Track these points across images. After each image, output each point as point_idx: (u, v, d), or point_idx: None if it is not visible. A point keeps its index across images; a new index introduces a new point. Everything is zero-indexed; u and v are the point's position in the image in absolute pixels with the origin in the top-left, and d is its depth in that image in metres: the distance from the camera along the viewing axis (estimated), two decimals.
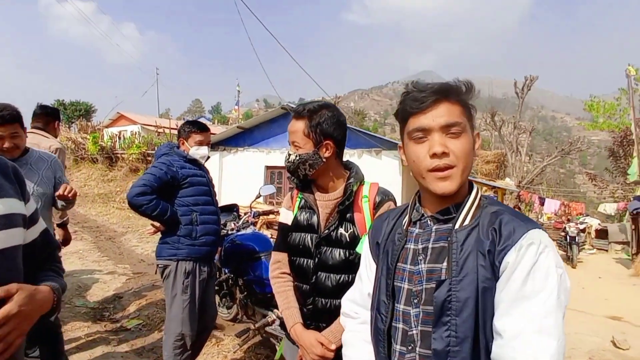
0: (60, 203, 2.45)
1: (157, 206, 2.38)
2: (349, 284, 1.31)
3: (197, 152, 2.62)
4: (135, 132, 19.73)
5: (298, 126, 1.48)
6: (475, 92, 0.99)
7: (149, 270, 5.80)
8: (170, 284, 2.48)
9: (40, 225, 1.13)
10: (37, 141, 2.81)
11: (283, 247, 1.61)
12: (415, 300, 0.95)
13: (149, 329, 3.77)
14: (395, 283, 1.01)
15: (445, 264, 0.92)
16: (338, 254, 1.46)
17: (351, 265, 1.42)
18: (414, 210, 1.06)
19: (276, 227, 6.68)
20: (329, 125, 1.47)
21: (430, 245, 0.97)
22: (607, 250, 14.15)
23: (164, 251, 2.51)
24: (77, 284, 4.93)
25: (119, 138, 18.33)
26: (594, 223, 15.75)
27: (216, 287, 3.49)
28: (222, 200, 8.87)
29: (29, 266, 1.04)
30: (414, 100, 0.96)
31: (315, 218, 1.51)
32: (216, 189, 2.89)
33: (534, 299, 0.81)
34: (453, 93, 0.95)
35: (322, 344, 1.39)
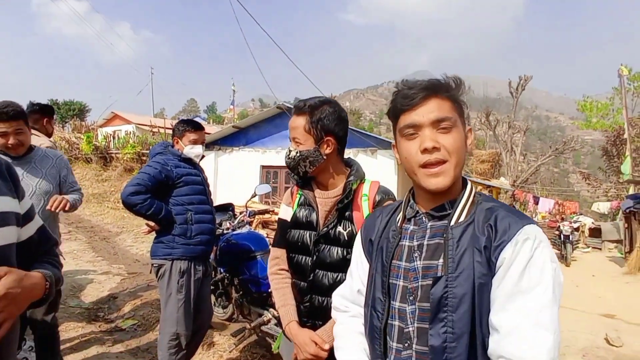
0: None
1: (151, 205, 2.36)
2: None
3: (192, 151, 2.61)
4: (130, 132, 19.60)
5: (299, 122, 1.46)
6: (465, 88, 1.00)
7: (144, 270, 5.77)
8: (165, 284, 2.47)
9: (37, 222, 1.12)
10: None
11: (282, 243, 1.59)
12: (411, 298, 0.95)
13: (144, 329, 3.75)
14: (390, 280, 1.00)
15: (441, 260, 0.92)
16: (336, 252, 1.45)
17: (349, 264, 1.41)
18: (408, 207, 1.06)
19: (272, 227, 6.68)
20: (330, 121, 1.45)
21: (425, 242, 0.97)
22: (600, 249, 14.27)
23: (158, 250, 2.50)
24: (72, 285, 4.89)
25: (114, 138, 18.24)
26: (588, 222, 15.87)
27: (212, 287, 3.48)
28: (218, 199, 8.85)
29: (26, 263, 1.02)
30: (404, 97, 0.97)
31: (314, 215, 1.50)
32: (211, 189, 2.88)
33: (530, 294, 0.82)
34: (442, 89, 0.96)
35: (315, 343, 1.39)
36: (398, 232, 1.03)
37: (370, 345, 1.06)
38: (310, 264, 1.49)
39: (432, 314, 0.90)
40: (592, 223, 15.90)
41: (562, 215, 16.52)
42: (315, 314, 1.48)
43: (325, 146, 1.46)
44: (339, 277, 1.44)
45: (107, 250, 7.36)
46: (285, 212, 1.61)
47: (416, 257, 0.97)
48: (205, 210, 2.61)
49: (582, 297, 7.07)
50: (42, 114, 3.07)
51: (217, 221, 3.36)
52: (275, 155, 11.95)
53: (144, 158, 14.43)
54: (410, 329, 0.95)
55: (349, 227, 1.45)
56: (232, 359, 3.26)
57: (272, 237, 2.01)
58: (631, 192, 12.10)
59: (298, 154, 1.46)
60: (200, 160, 2.72)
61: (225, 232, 3.58)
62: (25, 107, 3.08)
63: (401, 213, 1.07)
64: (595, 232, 15.09)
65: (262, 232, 5.95)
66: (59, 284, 1.08)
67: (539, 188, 28.27)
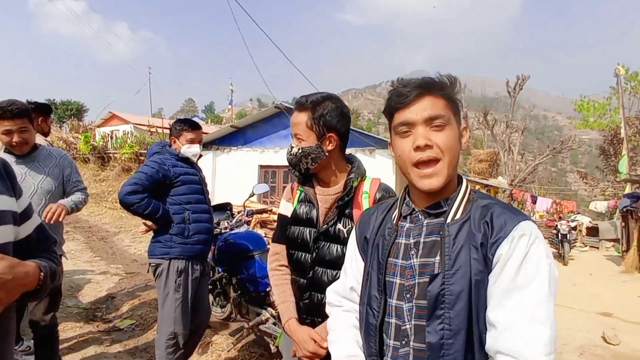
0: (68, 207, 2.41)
1: (148, 205, 2.36)
2: None
3: (189, 150, 2.60)
4: (128, 132, 19.57)
5: (301, 118, 1.44)
6: (460, 87, 1.01)
7: (142, 270, 5.75)
8: (162, 283, 2.46)
9: (35, 220, 1.11)
10: None
11: (282, 238, 1.58)
12: (408, 295, 0.96)
13: (142, 329, 3.74)
14: (387, 278, 1.01)
15: (438, 257, 0.93)
16: (335, 249, 1.43)
17: None
18: (404, 205, 1.06)
19: (270, 226, 6.67)
20: (333, 117, 1.43)
21: (422, 240, 0.97)
22: (598, 248, 14.32)
23: (156, 250, 2.50)
24: (69, 285, 4.88)
25: (111, 137, 18.18)
26: (585, 221, 15.95)
27: (210, 286, 3.48)
28: (216, 199, 8.84)
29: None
30: (398, 95, 0.97)
31: (314, 212, 1.49)
32: (210, 188, 2.88)
33: (526, 290, 0.83)
34: (436, 87, 0.97)
35: (314, 341, 1.39)
36: (394, 230, 1.03)
37: (365, 342, 1.06)
38: (309, 261, 1.48)
39: (429, 311, 0.90)
40: (590, 222, 15.97)
41: (560, 214, 16.59)
42: (314, 311, 1.47)
43: (327, 142, 1.44)
44: (338, 274, 1.42)
45: (105, 250, 7.35)
46: (286, 208, 1.59)
47: (413, 254, 0.97)
48: (202, 210, 2.61)
49: (579, 295, 7.10)
50: (38, 113, 3.07)
51: (215, 220, 3.36)
52: (274, 154, 11.96)
53: (142, 158, 14.41)
54: (408, 326, 0.95)
55: (349, 224, 1.44)
56: (230, 358, 3.26)
57: (270, 236, 2.00)
58: (627, 191, 12.13)
59: (300, 151, 1.44)
60: (198, 159, 2.72)
61: (223, 231, 3.58)
62: None
63: (397, 211, 1.07)
64: (593, 231, 15.15)
65: (260, 231, 5.95)
66: (56, 278, 1.06)
67: (536, 187, 28.37)
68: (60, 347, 2.98)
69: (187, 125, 2.63)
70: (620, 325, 5.36)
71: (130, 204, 2.33)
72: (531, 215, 19.61)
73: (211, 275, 3.65)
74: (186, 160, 2.61)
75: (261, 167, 12.32)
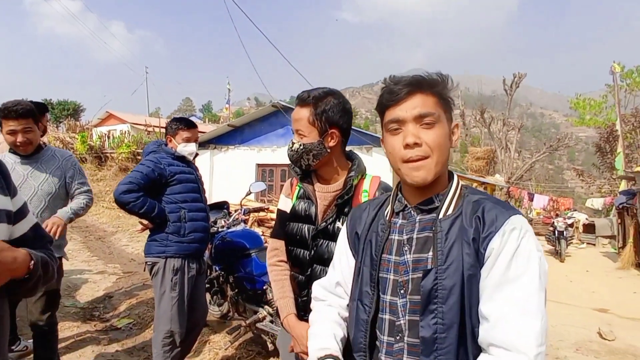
0: (69, 214, 2.41)
1: (144, 204, 2.36)
2: None
3: (185, 149, 2.60)
4: (125, 131, 19.49)
5: (302, 114, 1.41)
6: (452, 84, 1.01)
7: (139, 270, 5.75)
8: (158, 281, 2.47)
9: (30, 220, 1.11)
10: None
11: (281, 234, 1.56)
12: (402, 291, 0.96)
13: (140, 328, 3.75)
14: (380, 274, 1.01)
15: (430, 253, 0.93)
16: (334, 247, 1.41)
17: None
18: (397, 201, 1.06)
19: (267, 225, 6.68)
20: (335, 113, 1.41)
21: (415, 236, 0.98)
22: (594, 244, 14.38)
23: (152, 248, 2.50)
24: (67, 284, 4.87)
25: (108, 137, 18.12)
26: (582, 218, 15.97)
27: (207, 285, 3.48)
28: (214, 198, 8.83)
29: None
30: (390, 92, 0.98)
31: (313, 209, 1.47)
32: (207, 187, 2.88)
33: (517, 283, 0.84)
34: (426, 85, 0.97)
35: None
36: (387, 226, 1.04)
37: (354, 338, 1.06)
38: (308, 258, 1.47)
39: (422, 306, 0.91)
40: (586, 219, 15.99)
41: (557, 212, 16.65)
42: None
43: (329, 139, 1.42)
44: None
45: (102, 250, 7.34)
46: (285, 204, 1.58)
47: (406, 250, 0.98)
48: (198, 208, 2.61)
49: (575, 292, 7.13)
50: None
51: (212, 219, 3.36)
52: (271, 153, 11.95)
53: (139, 157, 14.36)
54: (402, 321, 0.96)
55: None
56: (227, 356, 3.27)
57: (268, 235, 2.00)
58: (623, 187, 12.18)
59: (301, 147, 1.41)
60: (194, 158, 2.72)
61: (220, 230, 3.58)
62: None
63: (389, 207, 1.07)
64: (589, 228, 15.19)
65: (257, 230, 5.95)
66: (49, 271, 1.04)
67: (533, 185, 28.47)
68: (58, 346, 2.98)
69: (182, 124, 2.63)
70: (616, 321, 5.40)
71: (126, 202, 2.33)
72: (528, 212, 19.69)
73: (208, 274, 3.65)
74: (182, 159, 2.61)
75: (259, 165, 12.31)
